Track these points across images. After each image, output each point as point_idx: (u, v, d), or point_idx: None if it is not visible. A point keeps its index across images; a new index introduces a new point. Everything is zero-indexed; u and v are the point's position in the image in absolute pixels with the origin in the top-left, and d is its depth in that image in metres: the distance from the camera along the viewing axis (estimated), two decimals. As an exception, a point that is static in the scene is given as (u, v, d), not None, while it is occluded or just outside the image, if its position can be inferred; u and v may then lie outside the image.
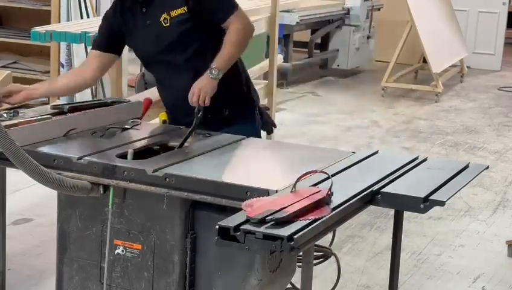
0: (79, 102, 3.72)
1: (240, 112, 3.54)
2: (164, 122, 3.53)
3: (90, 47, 3.63)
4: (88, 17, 7.13)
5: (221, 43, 3.36)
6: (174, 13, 3.37)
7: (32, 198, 5.32)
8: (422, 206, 2.59)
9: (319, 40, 10.63)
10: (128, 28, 3.49)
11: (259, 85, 6.58)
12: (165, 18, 3.38)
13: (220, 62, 3.32)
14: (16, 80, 6.13)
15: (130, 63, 8.38)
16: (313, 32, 10.52)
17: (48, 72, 7.47)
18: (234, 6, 3.44)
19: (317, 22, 10.16)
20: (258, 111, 3.65)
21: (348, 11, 10.46)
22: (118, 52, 3.57)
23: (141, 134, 3.27)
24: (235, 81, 3.53)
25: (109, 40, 3.53)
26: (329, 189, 2.50)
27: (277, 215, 2.28)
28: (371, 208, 2.73)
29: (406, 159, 3.07)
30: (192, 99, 3.28)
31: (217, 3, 3.42)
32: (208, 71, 3.29)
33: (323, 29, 10.36)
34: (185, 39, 3.41)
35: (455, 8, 11.03)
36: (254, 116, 3.60)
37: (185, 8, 3.36)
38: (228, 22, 3.39)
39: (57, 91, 3.71)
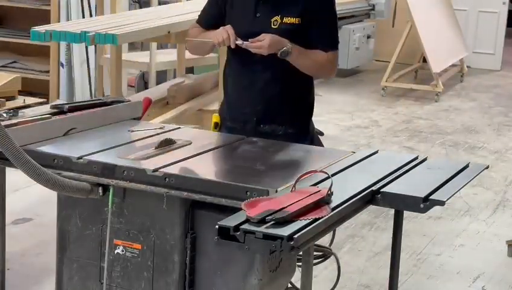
0: (79, 102, 3.71)
1: (293, 136, 3.41)
2: (216, 125, 3.48)
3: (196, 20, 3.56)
4: (90, 15, 7.14)
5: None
6: (286, 20, 3.31)
7: (32, 198, 5.32)
8: (422, 206, 2.59)
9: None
10: (234, 10, 3.40)
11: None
12: (275, 20, 3.31)
13: (298, 54, 3.27)
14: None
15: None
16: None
17: (48, 71, 7.48)
18: (337, 46, 3.43)
19: (340, 18, 10.05)
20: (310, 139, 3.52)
21: (373, 7, 10.52)
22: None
23: (141, 134, 3.27)
24: (303, 104, 3.49)
25: (216, 19, 3.44)
26: (329, 189, 2.50)
27: (277, 215, 2.27)
28: (371, 208, 2.73)
29: (406, 159, 3.07)
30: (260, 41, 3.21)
31: (330, 32, 3.40)
32: (288, 46, 3.22)
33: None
34: None
35: (455, 8, 11.03)
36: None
37: (299, 20, 3.31)
38: (325, 54, 3.35)
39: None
